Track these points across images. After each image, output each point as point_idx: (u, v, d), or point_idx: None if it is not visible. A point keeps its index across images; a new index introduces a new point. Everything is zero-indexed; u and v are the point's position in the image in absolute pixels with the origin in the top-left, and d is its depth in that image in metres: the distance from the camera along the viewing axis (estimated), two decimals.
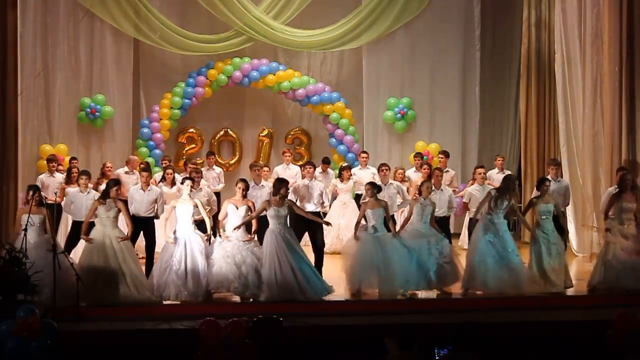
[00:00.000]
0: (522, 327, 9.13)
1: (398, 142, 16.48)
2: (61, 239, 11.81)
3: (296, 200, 11.45)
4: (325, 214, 13.20)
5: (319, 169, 14.15)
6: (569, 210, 13.43)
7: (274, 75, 16.07)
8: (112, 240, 10.24)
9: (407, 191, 12.53)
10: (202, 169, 13.45)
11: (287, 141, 16.70)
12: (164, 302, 10.19)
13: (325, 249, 11.74)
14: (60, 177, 13.04)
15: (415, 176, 13.77)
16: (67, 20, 15.39)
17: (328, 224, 11.46)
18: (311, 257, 11.01)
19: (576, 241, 13.90)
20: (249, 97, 16.75)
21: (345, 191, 14.11)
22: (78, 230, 10.75)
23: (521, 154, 16.00)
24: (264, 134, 16.66)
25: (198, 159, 15.74)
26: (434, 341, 7.56)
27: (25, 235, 9.78)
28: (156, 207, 11.32)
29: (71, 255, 10.74)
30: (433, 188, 11.40)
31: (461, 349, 6.90)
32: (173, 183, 12.51)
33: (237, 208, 10.55)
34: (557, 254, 10.88)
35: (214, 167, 14.67)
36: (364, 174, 14.13)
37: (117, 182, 10.69)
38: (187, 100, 15.92)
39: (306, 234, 11.40)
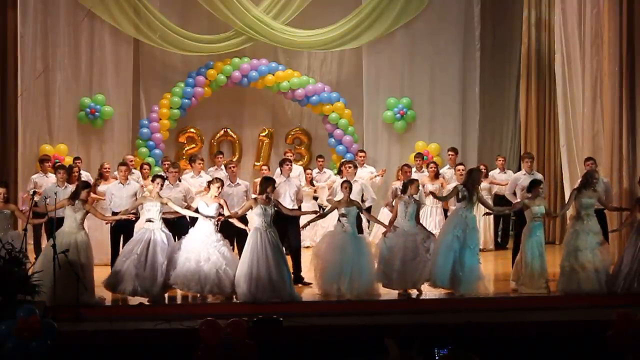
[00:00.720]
0: (522, 327, 9.11)
1: (398, 142, 16.48)
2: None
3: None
4: (321, 207, 13.25)
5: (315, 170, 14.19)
6: (569, 210, 13.41)
7: (274, 75, 16.08)
8: (76, 240, 10.23)
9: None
10: (211, 169, 13.40)
11: (287, 141, 16.71)
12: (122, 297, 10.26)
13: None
14: (53, 177, 12.94)
15: (416, 176, 13.72)
16: (67, 20, 15.40)
17: (304, 226, 11.48)
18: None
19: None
20: (249, 97, 16.76)
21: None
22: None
23: (521, 154, 16.00)
24: (264, 134, 16.67)
25: (220, 156, 14.43)
26: (434, 341, 7.56)
27: (25, 234, 9.79)
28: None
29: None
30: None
31: (461, 349, 6.91)
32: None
33: (207, 205, 10.58)
34: (541, 257, 10.88)
35: (222, 166, 14.61)
36: (361, 173, 13.96)
37: (87, 185, 10.72)
38: (186, 100, 15.92)
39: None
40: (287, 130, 16.81)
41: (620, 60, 12.68)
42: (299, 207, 12.14)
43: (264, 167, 13.91)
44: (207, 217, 10.51)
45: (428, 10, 16.30)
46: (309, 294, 10.91)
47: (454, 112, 16.40)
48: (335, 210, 10.97)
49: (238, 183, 11.98)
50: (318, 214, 11.62)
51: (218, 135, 16.61)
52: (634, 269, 10.70)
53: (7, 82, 12.55)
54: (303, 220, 11.60)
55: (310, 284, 11.05)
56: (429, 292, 10.90)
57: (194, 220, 10.75)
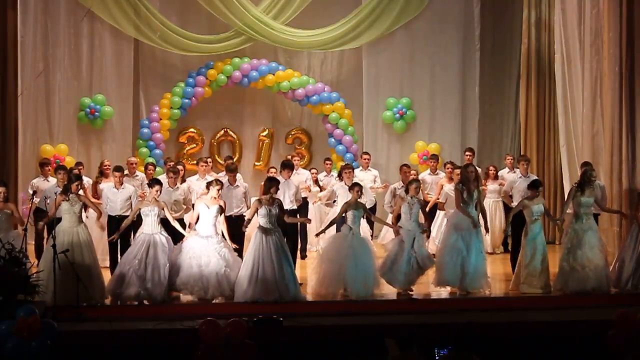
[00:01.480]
0: (522, 327, 9.12)
1: (397, 142, 16.48)
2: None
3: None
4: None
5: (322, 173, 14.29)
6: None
7: (274, 75, 16.08)
8: (79, 235, 10.25)
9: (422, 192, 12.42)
10: (222, 174, 13.30)
11: (287, 141, 16.71)
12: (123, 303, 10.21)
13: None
14: (54, 181, 12.90)
15: (429, 178, 13.63)
16: (67, 20, 15.40)
17: (308, 220, 11.87)
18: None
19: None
20: (249, 96, 16.76)
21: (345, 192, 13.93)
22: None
23: (521, 154, 15.99)
24: (264, 134, 16.67)
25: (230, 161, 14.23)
26: (434, 341, 7.56)
27: (25, 234, 9.80)
28: (132, 204, 11.37)
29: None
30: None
31: (461, 349, 6.91)
32: (183, 180, 12.42)
33: (208, 207, 10.59)
34: (541, 256, 10.90)
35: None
36: (365, 176, 13.79)
37: (78, 177, 10.77)
38: (186, 100, 15.92)
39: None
40: (288, 130, 16.81)
41: (620, 60, 12.67)
42: (302, 206, 12.18)
43: (272, 169, 13.82)
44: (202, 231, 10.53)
45: (428, 10, 16.29)
46: (311, 294, 10.90)
47: (453, 112, 16.40)
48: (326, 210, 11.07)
49: (237, 185, 11.98)
50: (330, 221, 11.57)
51: (218, 135, 16.61)
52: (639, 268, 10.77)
53: (7, 82, 12.54)
54: (314, 229, 11.78)
55: (302, 283, 10.98)
56: (433, 292, 10.92)
57: (197, 222, 10.74)
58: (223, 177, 12.54)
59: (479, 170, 12.21)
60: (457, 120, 16.39)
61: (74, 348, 8.35)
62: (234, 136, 16.67)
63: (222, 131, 16.63)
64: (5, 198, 10.46)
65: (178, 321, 9.08)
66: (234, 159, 16.46)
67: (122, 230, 10.75)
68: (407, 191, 11.08)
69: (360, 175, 13.94)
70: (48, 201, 10.60)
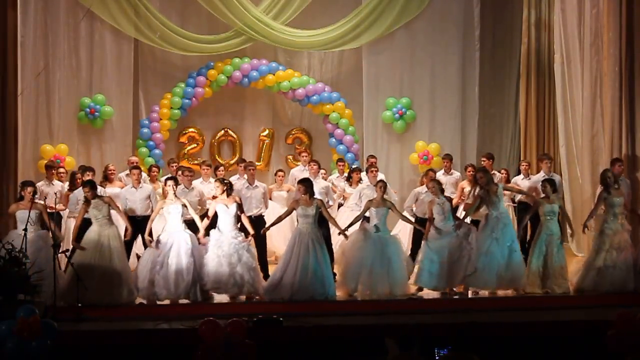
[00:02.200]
0: (522, 327, 9.13)
1: (397, 142, 16.46)
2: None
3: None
4: None
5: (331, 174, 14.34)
6: (569, 211, 13.42)
7: (274, 75, 16.07)
8: (109, 239, 10.27)
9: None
10: (234, 177, 13.18)
11: (288, 141, 16.71)
12: (153, 303, 10.27)
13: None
14: (59, 185, 12.87)
15: (444, 179, 13.31)
16: (67, 20, 15.37)
17: (346, 236, 11.06)
18: None
19: (575, 241, 13.89)
20: (249, 97, 16.75)
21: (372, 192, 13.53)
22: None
23: (521, 154, 16.00)
24: (264, 134, 16.67)
25: (242, 164, 13.81)
26: (434, 341, 7.56)
27: (25, 233, 9.80)
28: (151, 204, 11.36)
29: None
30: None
31: (461, 349, 6.91)
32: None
33: (227, 207, 10.59)
34: (558, 256, 10.92)
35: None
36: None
37: (89, 183, 10.78)
38: (187, 100, 15.92)
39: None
40: (288, 130, 16.81)
41: (620, 60, 12.69)
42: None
43: (280, 173, 13.86)
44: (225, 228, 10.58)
45: (428, 10, 16.27)
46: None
47: (453, 112, 16.38)
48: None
49: (256, 185, 12.02)
50: (355, 217, 11.39)
51: (218, 135, 16.60)
52: None
53: (7, 82, 12.53)
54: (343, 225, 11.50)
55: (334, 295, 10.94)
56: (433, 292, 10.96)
57: (214, 222, 10.74)
58: (238, 180, 12.58)
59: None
60: (457, 120, 16.37)
61: (74, 348, 8.36)
62: (234, 136, 16.67)
63: (223, 131, 16.62)
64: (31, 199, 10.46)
65: (178, 321, 9.09)
66: (234, 159, 16.51)
67: (148, 231, 10.72)
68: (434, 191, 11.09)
69: (367, 179, 13.83)
70: (77, 206, 10.92)
